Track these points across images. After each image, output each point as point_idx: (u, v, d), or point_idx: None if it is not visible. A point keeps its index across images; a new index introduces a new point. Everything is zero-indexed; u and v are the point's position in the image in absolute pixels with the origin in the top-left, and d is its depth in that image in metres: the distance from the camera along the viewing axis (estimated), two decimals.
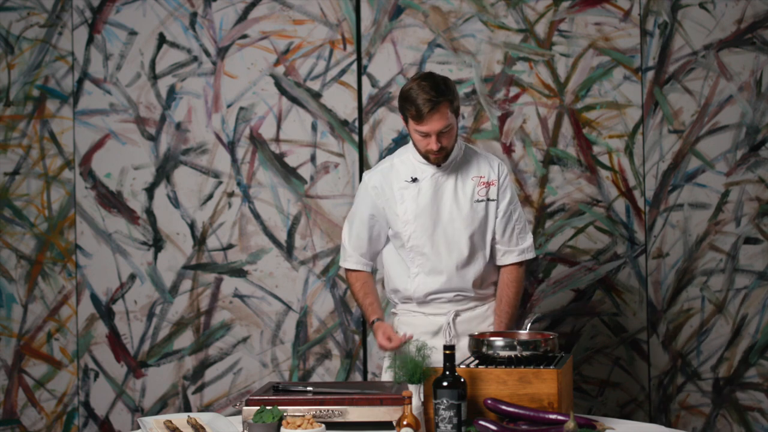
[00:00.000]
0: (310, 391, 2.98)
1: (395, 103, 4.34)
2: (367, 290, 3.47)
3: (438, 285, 3.38)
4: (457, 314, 3.40)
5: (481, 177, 3.39)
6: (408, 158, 3.41)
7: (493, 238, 3.41)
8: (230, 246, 4.40)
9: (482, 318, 3.44)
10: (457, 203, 3.36)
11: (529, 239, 3.47)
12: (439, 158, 3.33)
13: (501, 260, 3.45)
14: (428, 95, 3.20)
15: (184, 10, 4.40)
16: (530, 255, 3.47)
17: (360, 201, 3.47)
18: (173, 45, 4.40)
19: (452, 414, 2.78)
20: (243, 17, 4.39)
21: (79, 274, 4.42)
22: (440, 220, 3.35)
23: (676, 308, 4.37)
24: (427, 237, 3.35)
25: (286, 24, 4.39)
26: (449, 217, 3.35)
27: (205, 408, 4.39)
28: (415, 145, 3.35)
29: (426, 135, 3.26)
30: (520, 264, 3.46)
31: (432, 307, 3.41)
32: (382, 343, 3.33)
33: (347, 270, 3.52)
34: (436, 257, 3.36)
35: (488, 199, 3.38)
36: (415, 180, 3.37)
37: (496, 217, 3.40)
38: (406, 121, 3.31)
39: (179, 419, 2.97)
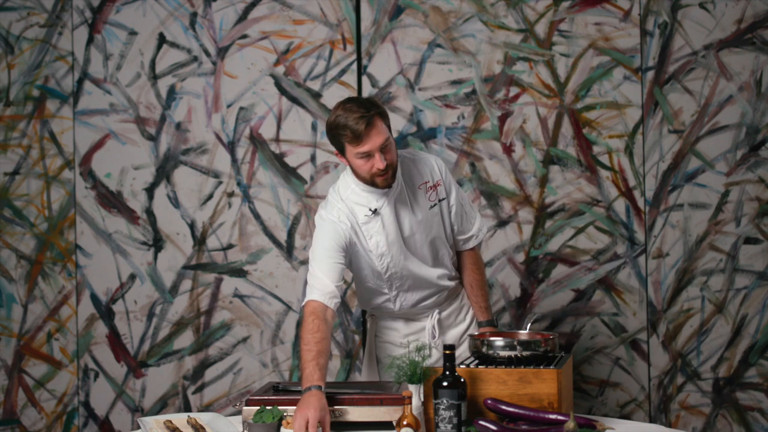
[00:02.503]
0: None
1: (395, 103, 4.34)
2: (322, 348, 3.01)
3: (420, 296, 3.37)
4: (439, 314, 3.42)
5: (426, 182, 3.31)
6: (354, 192, 3.22)
7: (452, 231, 3.40)
8: (230, 246, 4.40)
9: (458, 309, 3.46)
10: (415, 216, 3.29)
11: (478, 217, 3.47)
12: (387, 178, 3.16)
13: (463, 247, 3.45)
14: (359, 113, 3.05)
15: (184, 10, 4.40)
16: (485, 231, 3.49)
17: (326, 234, 3.19)
18: (173, 45, 4.40)
19: (452, 414, 2.78)
20: (243, 17, 4.39)
21: (79, 274, 4.42)
22: (406, 239, 3.28)
23: (676, 308, 4.36)
24: (402, 261, 3.28)
25: (286, 24, 4.39)
26: (410, 232, 3.28)
27: (205, 408, 4.39)
28: (357, 175, 3.18)
29: (368, 155, 3.09)
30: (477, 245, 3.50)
31: (414, 312, 3.41)
32: (297, 428, 2.79)
33: (310, 303, 3.10)
34: (414, 275, 3.32)
35: (439, 200, 3.34)
36: (375, 211, 3.21)
37: (450, 212, 3.37)
38: (343, 152, 3.15)
39: (179, 419, 2.97)
